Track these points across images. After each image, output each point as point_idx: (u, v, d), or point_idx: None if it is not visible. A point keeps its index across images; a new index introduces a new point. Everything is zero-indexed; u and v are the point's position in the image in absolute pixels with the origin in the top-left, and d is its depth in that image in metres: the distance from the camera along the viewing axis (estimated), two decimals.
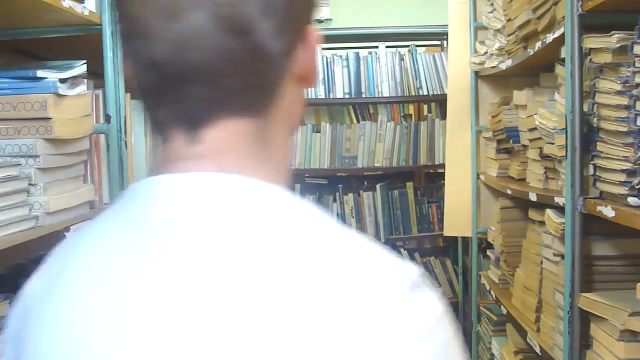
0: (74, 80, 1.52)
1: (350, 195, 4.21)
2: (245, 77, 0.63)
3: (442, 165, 3.81)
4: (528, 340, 2.18)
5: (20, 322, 0.68)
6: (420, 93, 4.18)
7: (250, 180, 0.63)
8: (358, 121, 4.28)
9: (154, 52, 0.61)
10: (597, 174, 1.65)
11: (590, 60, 1.66)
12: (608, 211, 1.53)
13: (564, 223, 1.81)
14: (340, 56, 4.20)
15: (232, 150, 0.64)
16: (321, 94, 4.14)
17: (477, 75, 3.21)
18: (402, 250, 4.32)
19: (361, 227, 4.13)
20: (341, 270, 0.57)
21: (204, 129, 0.64)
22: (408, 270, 0.58)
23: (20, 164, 1.38)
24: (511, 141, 2.65)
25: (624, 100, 1.50)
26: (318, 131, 4.16)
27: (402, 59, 4.21)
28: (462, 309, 4.14)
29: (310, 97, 4.15)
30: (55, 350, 0.62)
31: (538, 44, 2.12)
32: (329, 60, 4.18)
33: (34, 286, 0.68)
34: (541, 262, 2.11)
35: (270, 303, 0.55)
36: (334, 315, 0.54)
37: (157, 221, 0.62)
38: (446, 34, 3.56)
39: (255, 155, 0.65)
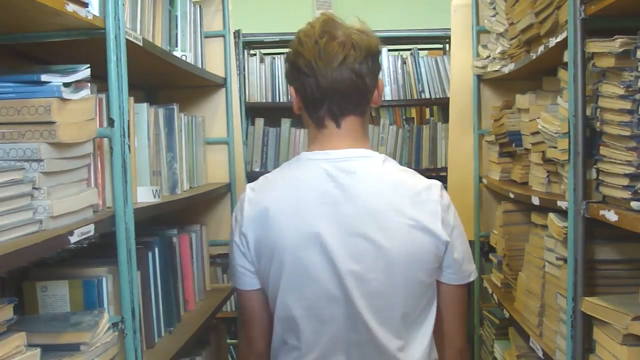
0: (77, 84, 1.52)
1: None
2: (361, 97, 1.51)
3: (445, 169, 3.81)
4: (531, 344, 2.18)
5: (260, 219, 1.48)
6: (423, 96, 4.19)
7: (364, 149, 1.51)
8: None
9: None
10: (600, 178, 1.64)
11: (593, 64, 1.66)
12: (611, 215, 1.53)
13: (566, 227, 1.81)
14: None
15: (355, 133, 1.52)
16: None
17: (479, 78, 3.21)
18: None
19: None
20: (422, 181, 1.50)
21: (343, 120, 1.51)
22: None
23: (24, 168, 1.38)
24: (514, 145, 2.65)
25: (627, 105, 1.50)
26: None
27: (404, 62, 4.22)
28: None
29: None
30: (291, 230, 1.45)
31: (541, 48, 2.12)
32: None
33: (265, 204, 1.48)
34: (544, 266, 2.11)
35: (399, 194, 1.45)
36: (424, 198, 1.46)
37: (342, 170, 1.47)
38: (448, 37, 3.56)
39: (363, 135, 1.54)
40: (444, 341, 1.56)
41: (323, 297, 1.45)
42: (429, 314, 1.51)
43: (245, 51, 4.18)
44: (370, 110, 1.62)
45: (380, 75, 1.56)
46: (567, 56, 1.78)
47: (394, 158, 4.14)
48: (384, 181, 1.48)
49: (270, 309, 1.55)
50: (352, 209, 1.44)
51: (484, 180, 3.16)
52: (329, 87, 1.47)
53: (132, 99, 1.93)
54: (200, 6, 2.95)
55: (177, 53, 2.60)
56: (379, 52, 1.55)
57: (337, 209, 1.44)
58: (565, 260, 1.86)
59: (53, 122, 1.41)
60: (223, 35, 3.10)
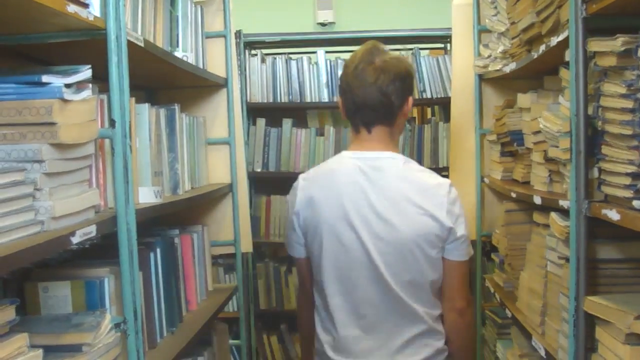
0: (79, 85, 1.52)
1: None
2: (387, 111, 1.91)
3: (446, 169, 3.80)
4: (533, 343, 2.17)
5: (308, 203, 1.92)
6: (424, 96, 4.18)
7: (391, 152, 1.92)
8: None
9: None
10: (601, 177, 1.64)
11: (594, 63, 1.65)
12: (613, 214, 1.53)
13: (568, 226, 1.81)
14: (344, 60, 4.19)
15: (383, 139, 1.93)
16: (325, 98, 4.14)
17: (480, 78, 3.21)
18: None
19: None
20: (435, 179, 1.92)
21: (373, 128, 1.93)
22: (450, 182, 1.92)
23: (25, 169, 1.38)
24: (515, 144, 2.65)
25: (629, 104, 1.50)
26: (322, 134, 4.17)
27: None
28: None
29: (313, 100, 4.16)
30: (330, 212, 1.88)
31: (542, 47, 2.12)
32: (332, 64, 4.18)
33: (311, 191, 1.93)
34: (546, 265, 2.11)
35: (413, 188, 1.87)
36: (433, 193, 1.87)
37: (371, 167, 1.89)
38: (450, 37, 3.56)
39: (390, 141, 1.94)
40: (448, 303, 1.95)
41: (354, 263, 1.88)
42: (434, 281, 1.91)
43: (247, 51, 4.18)
44: (403, 121, 1.99)
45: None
46: (568, 55, 1.78)
47: None
48: (402, 178, 1.88)
49: (315, 273, 1.98)
50: (377, 198, 1.86)
51: (486, 180, 3.16)
52: (361, 102, 1.90)
53: (133, 99, 1.93)
54: (201, 6, 2.95)
55: (178, 53, 2.60)
56: (407, 76, 1.91)
57: (365, 196, 1.87)
58: (567, 260, 1.86)
59: (54, 123, 1.41)
60: (224, 36, 3.10)
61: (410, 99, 1.94)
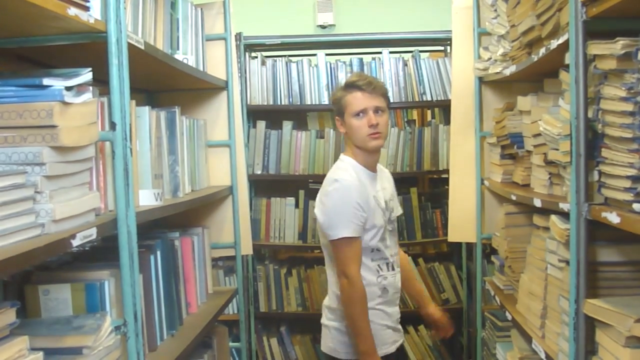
0: (79, 88, 1.52)
1: None
2: None
3: (446, 171, 3.80)
4: (533, 346, 2.17)
5: None
6: (424, 98, 4.18)
7: (345, 156, 2.49)
8: None
9: None
10: (601, 180, 1.64)
11: (594, 66, 1.66)
12: (613, 217, 1.53)
13: (568, 229, 1.81)
14: (344, 62, 4.20)
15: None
16: (325, 100, 4.14)
17: (480, 80, 3.21)
18: None
19: None
20: (328, 176, 2.45)
21: None
22: (339, 176, 2.39)
23: (26, 172, 1.39)
24: (515, 147, 2.65)
25: (629, 107, 1.50)
26: (322, 137, 4.17)
27: (405, 64, 4.21)
28: (466, 315, 4.13)
29: (313, 103, 4.16)
30: None
31: (542, 50, 2.12)
32: (332, 66, 4.18)
33: None
34: (546, 268, 2.11)
35: (326, 183, 2.45)
36: (326, 185, 2.42)
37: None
38: (450, 39, 3.56)
39: (345, 148, 2.57)
40: None
41: None
42: (332, 260, 2.41)
43: (247, 54, 4.18)
44: (349, 137, 2.46)
45: (339, 117, 2.47)
46: (568, 58, 1.78)
47: (396, 160, 4.16)
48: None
49: None
50: None
51: (486, 182, 3.16)
52: None
53: (133, 102, 1.93)
54: (201, 9, 2.96)
55: (179, 56, 2.60)
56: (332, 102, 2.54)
57: None
58: (567, 262, 1.86)
59: (55, 126, 1.41)
60: (224, 38, 3.10)
61: (337, 120, 2.48)
